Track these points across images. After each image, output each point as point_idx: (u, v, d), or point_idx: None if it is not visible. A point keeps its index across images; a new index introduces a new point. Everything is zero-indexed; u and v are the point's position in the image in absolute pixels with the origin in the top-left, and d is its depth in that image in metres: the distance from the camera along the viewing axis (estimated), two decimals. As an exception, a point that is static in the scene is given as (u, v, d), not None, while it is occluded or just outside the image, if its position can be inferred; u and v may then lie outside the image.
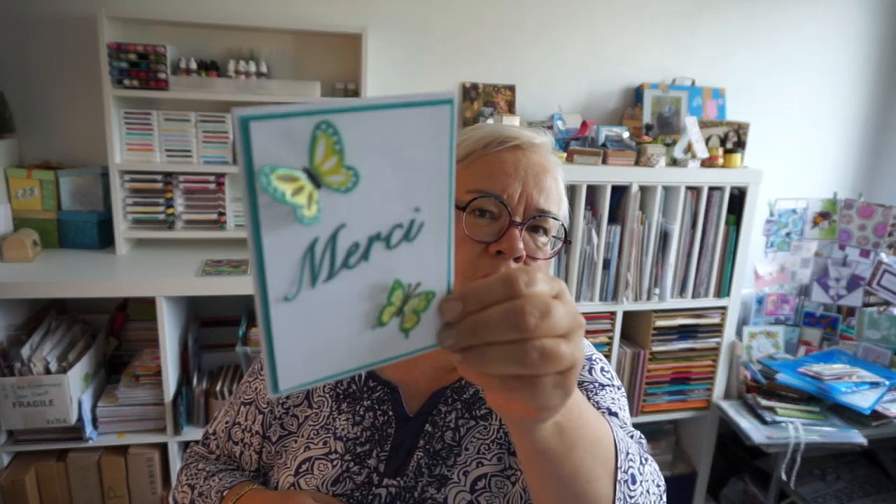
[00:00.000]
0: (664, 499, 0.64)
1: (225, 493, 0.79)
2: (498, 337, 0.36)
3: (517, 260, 0.67)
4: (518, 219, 0.69)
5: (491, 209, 0.69)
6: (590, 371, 0.78)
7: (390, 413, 0.77)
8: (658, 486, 0.62)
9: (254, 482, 0.81)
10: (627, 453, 0.57)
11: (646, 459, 0.61)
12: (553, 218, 0.71)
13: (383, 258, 0.36)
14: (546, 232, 0.72)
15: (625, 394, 0.81)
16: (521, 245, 0.67)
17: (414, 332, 0.39)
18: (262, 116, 0.30)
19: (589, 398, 0.74)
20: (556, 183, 0.73)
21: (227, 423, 0.88)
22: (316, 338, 0.35)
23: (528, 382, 0.37)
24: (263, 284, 0.33)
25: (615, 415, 0.73)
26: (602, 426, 0.55)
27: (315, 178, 0.33)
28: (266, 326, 0.34)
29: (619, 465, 0.54)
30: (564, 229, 0.73)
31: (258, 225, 0.32)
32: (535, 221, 0.70)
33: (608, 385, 0.77)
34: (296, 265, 0.34)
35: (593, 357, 0.80)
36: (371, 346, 0.37)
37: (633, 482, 0.56)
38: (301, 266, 0.34)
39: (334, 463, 0.76)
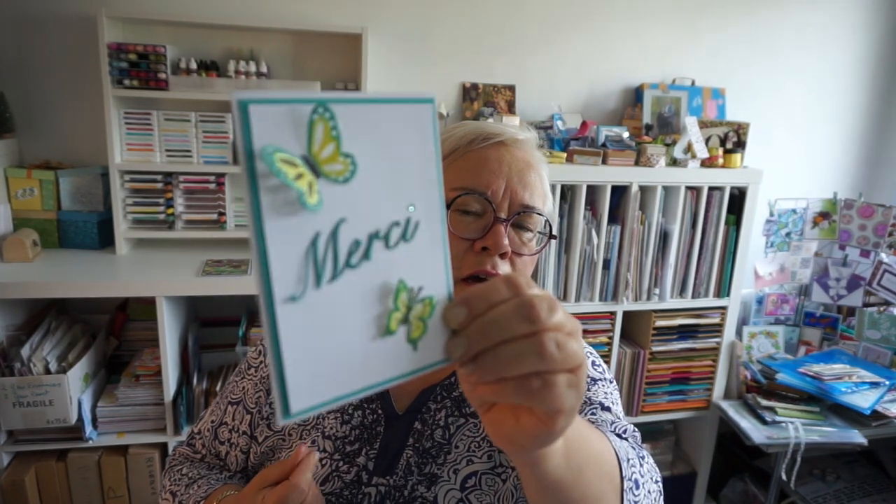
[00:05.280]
0: (661, 492, 0.64)
1: (201, 503, 0.78)
2: (512, 332, 0.35)
3: (502, 256, 0.67)
4: (503, 215, 0.69)
5: (475, 206, 0.69)
6: None
7: (379, 411, 0.77)
8: (656, 482, 0.62)
9: (232, 485, 0.79)
10: (627, 459, 0.57)
11: (643, 458, 0.61)
12: (538, 213, 0.71)
13: (385, 258, 0.35)
14: (531, 228, 0.72)
15: (616, 386, 0.81)
16: (506, 241, 0.67)
17: (422, 343, 0.37)
18: (262, 100, 0.30)
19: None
20: (541, 179, 0.73)
21: (212, 422, 0.88)
22: (327, 348, 0.33)
23: (546, 381, 0.35)
24: (268, 282, 0.30)
25: (608, 409, 0.73)
26: (600, 438, 0.54)
27: (314, 167, 0.32)
28: (273, 333, 0.31)
29: (623, 474, 0.54)
30: (549, 225, 0.73)
31: (260, 214, 0.30)
32: (520, 217, 0.70)
33: (600, 379, 0.78)
34: (300, 261, 0.32)
35: (584, 351, 0.80)
36: (383, 360, 0.35)
37: (637, 487, 0.56)
38: (305, 262, 0.32)
39: (323, 462, 0.76)
